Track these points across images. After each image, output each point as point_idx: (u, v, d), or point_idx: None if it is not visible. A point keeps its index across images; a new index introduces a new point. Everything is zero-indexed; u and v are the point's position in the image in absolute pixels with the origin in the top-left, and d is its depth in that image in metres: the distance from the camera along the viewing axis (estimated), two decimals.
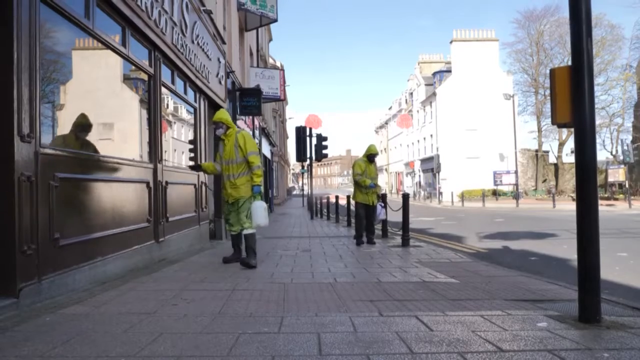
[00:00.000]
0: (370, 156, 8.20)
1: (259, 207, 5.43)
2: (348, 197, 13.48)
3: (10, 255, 3.16)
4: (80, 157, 4.11)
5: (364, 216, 8.18)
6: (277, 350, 2.42)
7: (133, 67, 5.58)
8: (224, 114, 5.69)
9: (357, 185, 8.15)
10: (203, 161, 8.07)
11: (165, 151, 6.67)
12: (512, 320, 3.02)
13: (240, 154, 5.53)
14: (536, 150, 41.84)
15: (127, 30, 5.17)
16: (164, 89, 6.43)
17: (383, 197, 8.67)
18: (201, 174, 7.82)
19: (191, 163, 7.85)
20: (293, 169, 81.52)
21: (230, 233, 5.87)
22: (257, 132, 18.04)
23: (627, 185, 29.02)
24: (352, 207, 12.75)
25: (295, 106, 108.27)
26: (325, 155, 18.57)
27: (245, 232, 5.54)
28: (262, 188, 5.59)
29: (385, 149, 62.27)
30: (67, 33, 4.13)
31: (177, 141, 7.96)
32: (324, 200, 18.34)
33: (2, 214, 3.17)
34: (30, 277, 3.32)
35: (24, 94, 3.26)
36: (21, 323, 2.90)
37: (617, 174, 30.90)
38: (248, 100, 13.30)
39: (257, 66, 19.01)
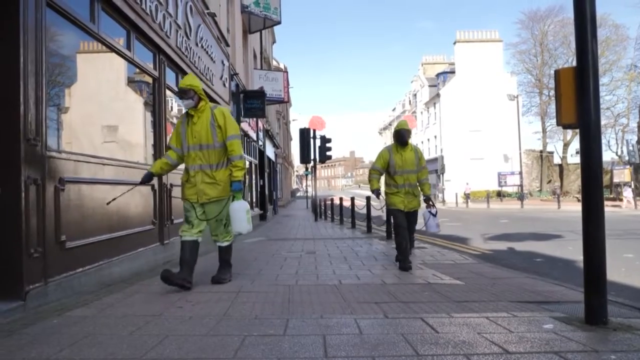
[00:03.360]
0: (400, 137, 5.60)
1: (241, 210, 4.07)
2: (352, 198, 13.46)
3: (17, 258, 3.19)
4: (86, 160, 4.13)
5: (405, 225, 5.55)
6: (283, 352, 2.42)
7: (138, 70, 5.61)
8: (193, 80, 4.15)
9: (385, 183, 5.86)
10: None
11: None
12: (518, 322, 3.01)
13: (219, 137, 4.10)
14: (541, 151, 41.69)
15: (132, 33, 5.21)
16: (168, 92, 6.46)
17: (427, 200, 5.88)
18: None
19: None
20: (297, 171, 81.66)
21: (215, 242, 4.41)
22: (261, 134, 18.09)
23: (632, 186, 28.83)
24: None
25: (299, 108, 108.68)
26: (329, 157, 18.62)
27: (220, 244, 4.34)
28: (243, 185, 4.12)
29: None
30: (72, 37, 4.16)
31: None
32: (328, 202, 18.35)
33: (9, 217, 3.19)
34: (37, 280, 3.34)
35: (30, 98, 3.29)
36: (28, 325, 2.91)
37: (623, 175, 30.70)
38: (252, 103, 13.35)
39: (261, 68, 19.07)
